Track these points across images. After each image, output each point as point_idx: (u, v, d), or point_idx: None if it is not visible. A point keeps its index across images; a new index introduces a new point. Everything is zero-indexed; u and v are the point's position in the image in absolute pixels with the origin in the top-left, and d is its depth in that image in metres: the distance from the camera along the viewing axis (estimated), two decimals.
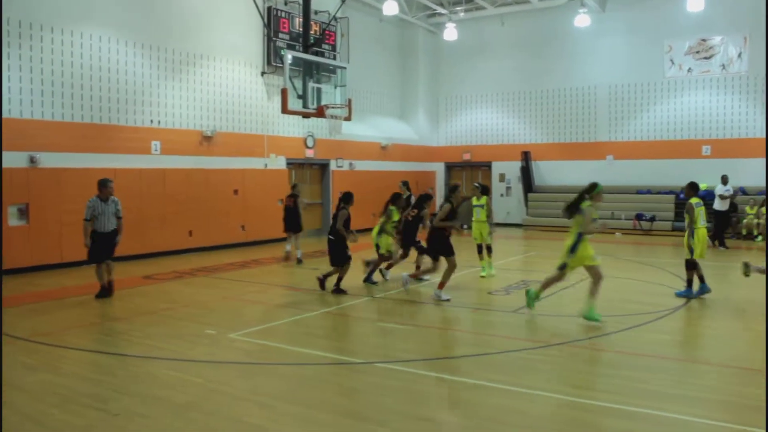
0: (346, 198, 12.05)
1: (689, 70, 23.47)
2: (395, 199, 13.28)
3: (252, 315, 10.09)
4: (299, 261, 15.71)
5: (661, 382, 6.76)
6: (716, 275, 13.47)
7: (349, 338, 8.78)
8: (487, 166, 27.36)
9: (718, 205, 18.75)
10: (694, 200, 11.14)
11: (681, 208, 22.29)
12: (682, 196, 22.29)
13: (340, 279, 11.55)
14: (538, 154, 26.13)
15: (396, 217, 12.96)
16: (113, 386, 6.63)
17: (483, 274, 13.54)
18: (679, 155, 23.42)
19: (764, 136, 22.28)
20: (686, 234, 11.15)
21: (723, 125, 22.98)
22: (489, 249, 13.69)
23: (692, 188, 11.47)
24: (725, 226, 19.07)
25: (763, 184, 20.27)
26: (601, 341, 8.29)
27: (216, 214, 18.07)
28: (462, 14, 25.57)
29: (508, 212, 25.87)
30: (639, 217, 23.04)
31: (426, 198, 12.81)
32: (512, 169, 26.43)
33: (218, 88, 18.29)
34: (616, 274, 13.97)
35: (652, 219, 22.78)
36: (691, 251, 10.97)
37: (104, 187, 11.06)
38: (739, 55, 22.70)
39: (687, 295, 11.09)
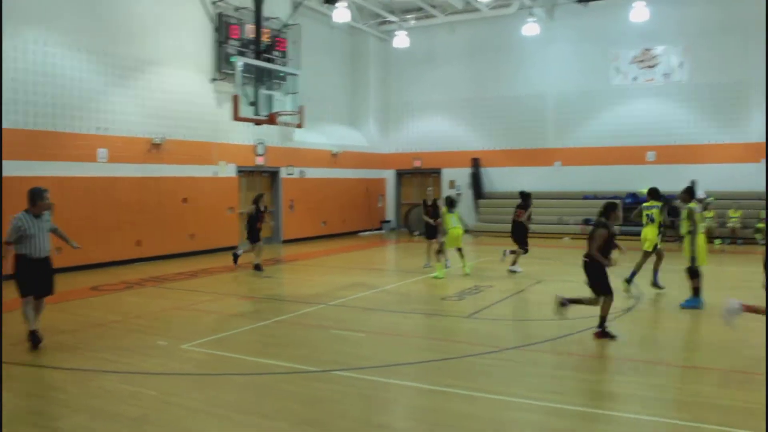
0: (608, 211, 9.32)
1: (634, 78, 24.08)
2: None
3: (204, 325, 9.94)
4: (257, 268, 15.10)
5: (613, 382, 6.94)
6: (669, 278, 13.81)
7: (305, 346, 8.73)
8: (437, 173, 27.57)
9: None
10: (693, 205, 10.81)
11: (627, 212, 22.87)
12: (628, 201, 22.91)
13: (603, 318, 8.80)
14: (487, 160, 26.44)
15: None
16: (62, 403, 6.45)
17: (439, 275, 14.21)
18: (625, 161, 23.99)
19: (707, 142, 23.05)
20: (686, 241, 10.74)
21: (666, 132, 23.61)
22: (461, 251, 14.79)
23: (688, 193, 11.13)
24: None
25: (706, 189, 20.80)
26: (554, 344, 8.41)
27: (165, 223, 17.78)
28: (413, 22, 25.77)
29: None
30: (586, 222, 23.45)
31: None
32: (462, 175, 26.68)
33: (167, 95, 18.00)
34: (567, 278, 14.21)
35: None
36: (693, 259, 10.63)
37: (39, 199, 8.35)
38: (681, 65, 23.38)
39: (694, 305, 10.59)
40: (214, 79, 19.29)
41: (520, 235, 15.28)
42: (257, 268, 15.02)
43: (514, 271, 14.80)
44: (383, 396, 6.65)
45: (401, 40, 25.12)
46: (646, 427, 5.71)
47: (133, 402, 6.34)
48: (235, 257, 15.62)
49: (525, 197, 15.59)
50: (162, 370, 7.40)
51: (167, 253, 17.81)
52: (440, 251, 14.76)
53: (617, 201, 10.18)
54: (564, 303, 8.88)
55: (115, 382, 6.98)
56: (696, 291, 10.67)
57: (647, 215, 12.41)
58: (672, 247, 15.42)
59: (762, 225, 20.68)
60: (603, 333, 8.63)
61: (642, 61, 24.00)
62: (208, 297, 12.30)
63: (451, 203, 14.84)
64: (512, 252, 15.28)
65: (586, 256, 8.90)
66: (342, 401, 6.43)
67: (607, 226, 8.97)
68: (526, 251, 15.27)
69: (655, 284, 12.19)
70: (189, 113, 18.63)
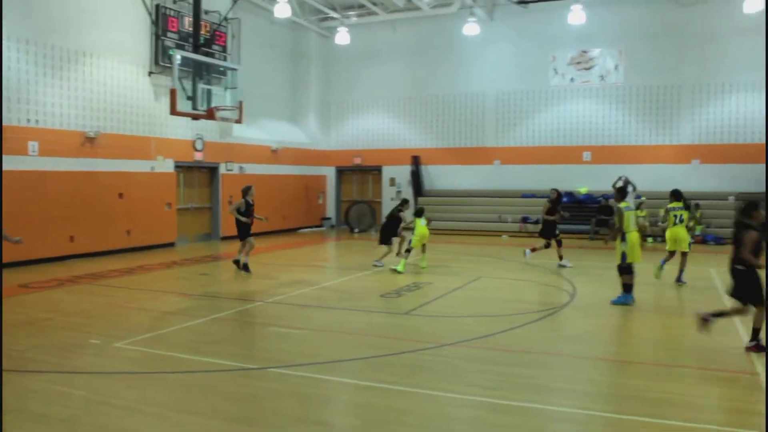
0: (750, 210, 8.20)
1: (571, 79, 24.60)
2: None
3: (140, 323, 9.74)
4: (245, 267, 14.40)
5: (545, 376, 7.09)
6: (599, 275, 14.17)
7: (242, 344, 8.65)
8: (377, 171, 27.63)
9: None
10: (623, 204, 11.07)
11: (566, 210, 23.35)
12: (564, 200, 23.38)
13: (756, 331, 7.99)
14: (427, 158, 26.63)
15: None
16: None
17: (401, 269, 14.66)
18: (562, 161, 24.49)
19: (641, 144, 23.72)
20: (618, 239, 10.99)
21: (602, 133, 24.21)
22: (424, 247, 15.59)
23: (620, 193, 11.49)
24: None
25: (640, 189, 21.35)
26: (489, 340, 8.54)
27: (100, 218, 17.35)
28: (354, 19, 25.76)
29: None
30: (525, 220, 23.88)
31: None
32: (403, 173, 26.81)
33: (102, 88, 17.55)
34: (504, 275, 14.49)
35: (537, 222, 23.62)
36: (623, 257, 10.82)
37: None
38: (616, 67, 23.99)
39: (625, 301, 10.86)
40: (151, 73, 18.90)
41: (549, 231, 16.06)
42: (244, 267, 14.26)
43: (563, 266, 15.46)
44: (321, 393, 6.64)
45: (342, 36, 25.08)
46: (579, 421, 5.85)
47: (62, 402, 6.17)
48: (238, 263, 14.50)
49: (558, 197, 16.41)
50: (94, 369, 7.23)
51: (102, 249, 17.38)
52: (408, 249, 15.19)
53: (758, 200, 8.73)
54: (707, 319, 7.92)
55: (44, 383, 6.78)
56: (626, 288, 10.94)
57: (675, 216, 12.99)
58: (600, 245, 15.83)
59: (693, 224, 21.40)
60: (758, 347, 7.81)
61: (579, 63, 24.53)
62: (145, 294, 12.07)
63: (420, 212, 15.63)
64: (534, 249, 16.30)
65: (738, 262, 7.94)
66: (278, 399, 6.40)
67: (755, 228, 7.92)
68: (548, 246, 16.07)
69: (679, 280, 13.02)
70: (125, 107, 18.22)
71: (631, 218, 10.92)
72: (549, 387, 6.76)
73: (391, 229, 16.17)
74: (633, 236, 10.89)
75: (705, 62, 22.86)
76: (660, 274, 13.11)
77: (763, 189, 21.77)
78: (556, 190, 16.39)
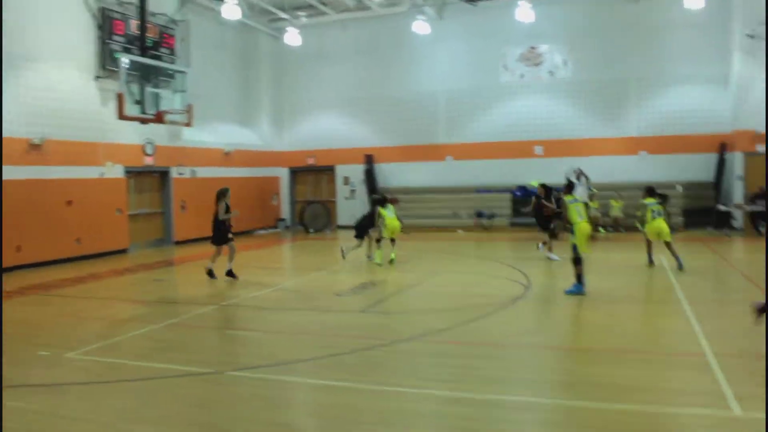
0: None
1: (521, 75, 24.88)
2: None
3: (92, 332, 9.55)
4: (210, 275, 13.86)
5: (502, 368, 7.18)
6: (552, 266, 14.39)
7: (198, 348, 8.56)
8: (331, 170, 27.59)
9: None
10: (568, 197, 11.29)
11: (518, 205, 23.70)
12: (518, 194, 23.73)
13: None
14: (380, 156, 26.68)
15: None
16: None
17: (378, 261, 15.32)
18: (514, 155, 24.77)
19: (590, 137, 24.13)
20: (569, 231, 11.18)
21: (552, 127, 24.55)
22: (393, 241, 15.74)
23: (568, 186, 11.94)
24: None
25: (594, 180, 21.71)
26: (445, 334, 8.61)
27: (48, 227, 16.94)
28: (304, 20, 25.64)
29: (352, 215, 26.19)
30: (479, 214, 24.10)
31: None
32: (356, 172, 26.81)
33: (47, 93, 17.10)
34: (459, 269, 14.61)
35: (491, 216, 23.91)
36: (575, 248, 10.97)
37: None
38: (564, 63, 24.35)
39: (578, 291, 10.98)
40: (98, 77, 18.50)
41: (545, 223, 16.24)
42: (230, 274, 13.67)
43: (551, 258, 15.51)
44: (279, 395, 6.62)
45: (293, 37, 24.95)
46: (537, 409, 5.95)
47: (11, 417, 5.99)
48: (212, 273, 13.86)
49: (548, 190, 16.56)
50: (44, 382, 7.06)
51: (51, 258, 16.97)
52: (378, 240, 15.57)
53: None
54: (763, 309, 6.89)
55: None
56: (579, 278, 11.10)
57: (652, 210, 13.61)
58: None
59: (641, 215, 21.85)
60: None
61: (528, 59, 24.83)
62: (96, 303, 11.86)
63: (382, 201, 15.87)
64: (545, 243, 16.20)
65: None
66: (236, 402, 6.35)
67: None
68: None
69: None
70: (72, 112, 17.81)
71: (577, 210, 11.08)
72: (506, 378, 6.84)
73: (366, 225, 16.22)
74: (582, 227, 11.05)
75: (649, 56, 23.33)
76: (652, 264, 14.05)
77: (710, 178, 22.41)
78: (543, 185, 16.65)
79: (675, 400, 6.05)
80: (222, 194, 13.72)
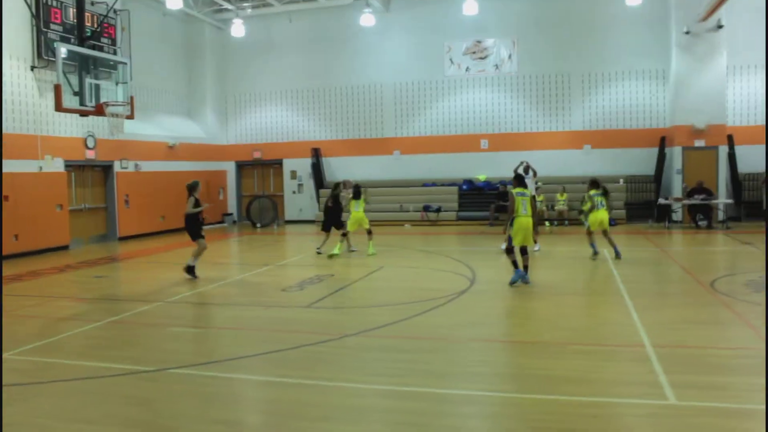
0: None
1: (467, 69, 25.06)
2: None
3: (27, 331, 9.24)
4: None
5: (446, 361, 7.22)
6: (498, 260, 14.53)
7: (139, 346, 8.37)
8: (278, 164, 27.36)
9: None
10: (516, 190, 11.45)
11: (464, 199, 23.93)
12: (465, 187, 23.94)
13: None
14: (328, 150, 26.58)
15: None
16: None
17: (334, 252, 15.72)
18: (461, 149, 24.95)
19: (535, 131, 24.44)
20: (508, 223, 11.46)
21: (498, 120, 24.81)
22: (369, 232, 16.29)
23: (517, 180, 12.00)
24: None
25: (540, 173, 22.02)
26: (391, 329, 8.61)
27: None
28: (249, 11, 25.35)
29: (300, 209, 26.10)
30: (426, 208, 24.21)
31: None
32: (303, 166, 26.66)
33: None
34: (406, 264, 14.65)
35: (438, 210, 24.03)
36: (510, 239, 11.26)
37: None
38: (510, 57, 24.60)
39: (519, 278, 11.29)
40: (34, 67, 17.96)
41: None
42: (190, 270, 13.16)
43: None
44: (222, 391, 6.51)
45: (238, 28, 24.66)
46: (481, 402, 5.99)
47: None
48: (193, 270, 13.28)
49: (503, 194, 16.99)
50: None
51: None
52: (344, 233, 16.07)
53: None
54: None
55: None
56: (515, 264, 11.35)
57: (597, 201, 14.25)
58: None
59: (587, 207, 22.24)
60: None
61: (474, 52, 25.01)
62: (34, 301, 11.50)
63: (357, 193, 16.19)
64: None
65: None
66: (178, 400, 6.24)
67: None
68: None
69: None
70: (6, 104, 17.20)
71: (522, 204, 11.26)
72: (451, 371, 6.88)
73: (333, 216, 16.54)
74: (521, 221, 11.23)
75: (593, 51, 23.76)
76: (596, 255, 14.51)
77: (651, 172, 22.93)
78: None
79: (614, 390, 6.16)
80: (192, 188, 13.31)
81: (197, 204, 13.22)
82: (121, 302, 11.20)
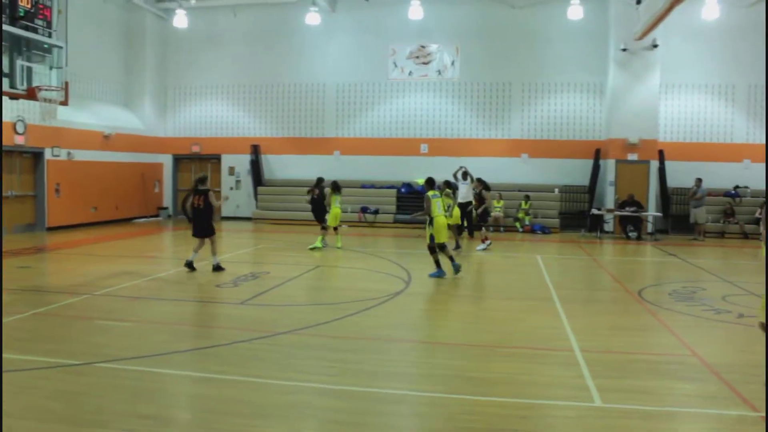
0: None
1: (410, 73, 25.19)
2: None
3: None
4: (218, 269, 13.03)
5: (376, 362, 7.25)
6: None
7: (65, 339, 8.12)
8: (216, 159, 26.97)
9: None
10: (430, 193, 12.41)
11: (403, 201, 24.04)
12: (403, 190, 24.06)
13: None
14: (267, 147, 26.34)
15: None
16: None
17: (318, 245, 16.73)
18: (401, 152, 25.06)
19: (474, 137, 24.73)
20: (427, 223, 12.51)
21: (438, 126, 25.02)
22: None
23: (428, 183, 12.89)
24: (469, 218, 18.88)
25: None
26: (323, 328, 8.59)
27: None
28: (193, 2, 24.89)
29: (237, 206, 25.76)
30: (364, 210, 24.23)
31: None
32: (242, 162, 26.35)
33: None
34: (342, 264, 14.63)
35: (376, 212, 24.08)
36: (432, 238, 12.32)
37: None
38: (452, 63, 24.85)
39: (439, 275, 12.36)
40: None
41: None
42: (218, 267, 13.05)
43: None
44: (150, 386, 6.38)
45: (181, 19, 24.22)
46: (408, 402, 6.04)
47: None
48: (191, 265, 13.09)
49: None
50: None
51: None
52: (324, 228, 16.89)
53: None
54: None
55: None
56: (437, 264, 12.40)
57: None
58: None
59: (522, 214, 22.66)
60: None
61: (418, 57, 25.17)
62: None
63: (336, 187, 17.11)
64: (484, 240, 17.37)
65: None
66: (103, 394, 6.09)
67: None
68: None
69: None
70: None
71: (438, 204, 12.32)
72: (380, 371, 6.90)
73: (320, 211, 17.17)
74: (440, 220, 12.25)
75: (534, 62, 24.19)
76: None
77: (586, 182, 23.47)
78: (480, 180, 18.10)
79: (542, 392, 6.28)
80: (202, 180, 13.28)
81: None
82: (47, 294, 10.86)
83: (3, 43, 13.79)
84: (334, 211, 16.86)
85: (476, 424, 5.47)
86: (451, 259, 12.55)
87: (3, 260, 14.08)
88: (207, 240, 13.13)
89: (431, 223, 12.31)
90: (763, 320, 6.53)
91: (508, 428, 5.38)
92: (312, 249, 16.52)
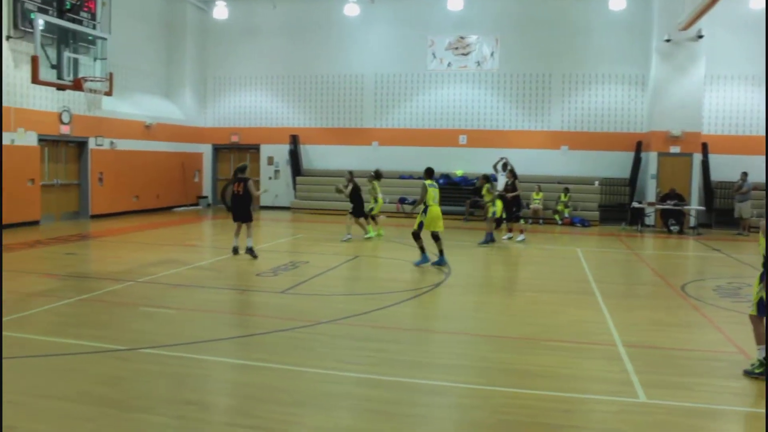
0: None
1: (449, 64, 25.08)
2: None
3: None
4: (251, 253, 13.32)
5: (417, 352, 7.26)
6: (474, 255, 14.60)
7: (111, 325, 8.29)
8: (255, 149, 27.18)
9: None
10: (428, 182, 12.65)
11: (441, 193, 23.86)
12: (441, 181, 23.92)
13: None
14: (306, 138, 26.47)
15: None
16: None
17: (371, 235, 17.10)
18: (439, 143, 24.98)
19: (514, 129, 24.54)
20: (420, 211, 12.78)
21: (477, 117, 24.88)
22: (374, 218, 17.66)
23: (426, 172, 13.10)
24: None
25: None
26: (364, 318, 8.62)
27: None
28: None
29: (276, 195, 25.93)
30: (402, 200, 24.21)
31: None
32: (281, 152, 26.52)
33: None
34: (381, 255, 14.65)
35: (414, 203, 24.01)
36: (420, 225, 12.58)
37: None
38: (492, 54, 24.67)
39: (423, 262, 12.64)
40: (9, 37, 17.55)
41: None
42: (252, 251, 13.37)
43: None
44: (193, 373, 6.48)
45: (220, 11, 24.44)
46: (449, 393, 6.04)
47: None
48: (249, 250, 13.45)
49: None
50: None
51: None
52: (368, 216, 17.27)
53: None
54: None
55: None
56: (422, 250, 12.67)
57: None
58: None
59: (561, 207, 22.45)
60: None
61: (456, 48, 25.04)
62: (4, 276, 11.31)
63: (378, 175, 17.57)
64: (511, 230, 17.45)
65: None
66: (148, 380, 6.20)
67: None
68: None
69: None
70: None
71: (433, 195, 12.59)
72: (421, 362, 6.90)
73: (358, 203, 17.11)
74: (434, 209, 12.54)
75: (575, 53, 23.90)
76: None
77: (626, 175, 23.16)
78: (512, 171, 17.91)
79: (585, 386, 6.23)
80: (242, 170, 13.73)
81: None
82: (92, 280, 11.07)
83: (50, 35, 14.08)
84: (380, 201, 17.47)
85: (519, 417, 5.45)
86: (441, 252, 12.70)
87: (50, 247, 14.40)
88: (244, 225, 13.32)
89: (425, 211, 12.57)
90: (754, 312, 6.73)
91: (552, 422, 5.35)
92: (367, 238, 16.90)
